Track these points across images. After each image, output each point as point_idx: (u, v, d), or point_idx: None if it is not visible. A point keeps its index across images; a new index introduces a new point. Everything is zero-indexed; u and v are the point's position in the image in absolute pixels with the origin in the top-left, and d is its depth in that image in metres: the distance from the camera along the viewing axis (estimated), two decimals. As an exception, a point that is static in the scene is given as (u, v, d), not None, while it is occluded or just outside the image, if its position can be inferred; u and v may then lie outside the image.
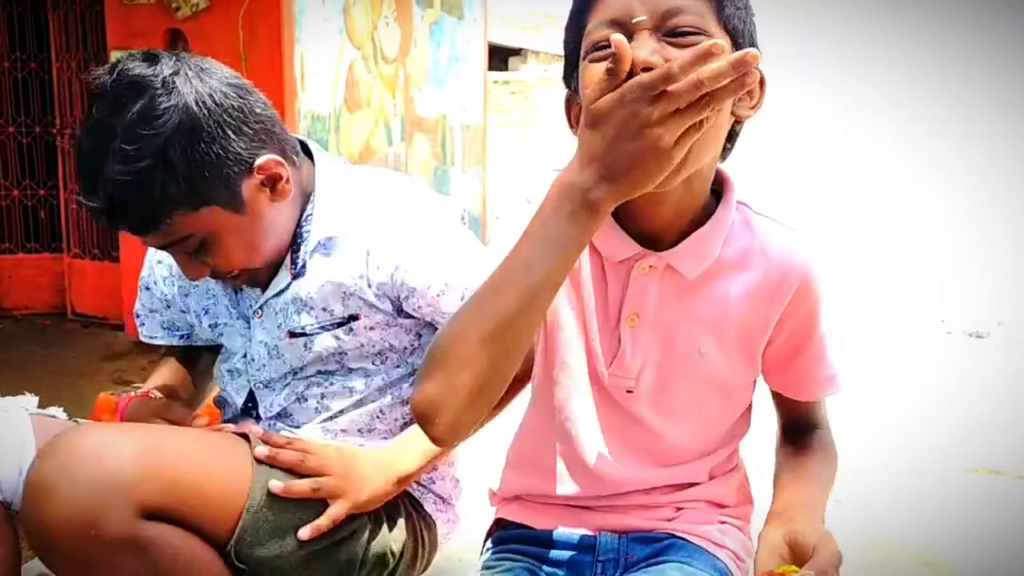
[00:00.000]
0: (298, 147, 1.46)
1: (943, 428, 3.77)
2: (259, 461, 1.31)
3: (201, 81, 1.30)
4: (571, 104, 1.17)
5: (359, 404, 1.48)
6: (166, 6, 4.52)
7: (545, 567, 1.25)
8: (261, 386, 1.53)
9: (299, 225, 1.44)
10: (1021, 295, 7.01)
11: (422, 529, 1.48)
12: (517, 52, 15.43)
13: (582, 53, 1.10)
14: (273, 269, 1.46)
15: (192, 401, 1.68)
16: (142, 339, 1.68)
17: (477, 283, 1.26)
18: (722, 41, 0.91)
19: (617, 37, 0.95)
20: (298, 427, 1.51)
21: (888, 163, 18.84)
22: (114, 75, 1.28)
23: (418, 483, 1.48)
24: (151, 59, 1.30)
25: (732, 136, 1.17)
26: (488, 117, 7.22)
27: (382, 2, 5.50)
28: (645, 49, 0.99)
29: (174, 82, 1.28)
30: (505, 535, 1.32)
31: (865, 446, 3.57)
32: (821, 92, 23.90)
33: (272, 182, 1.37)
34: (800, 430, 1.33)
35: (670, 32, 1.04)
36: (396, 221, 1.40)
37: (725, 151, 1.18)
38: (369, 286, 1.40)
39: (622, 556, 1.24)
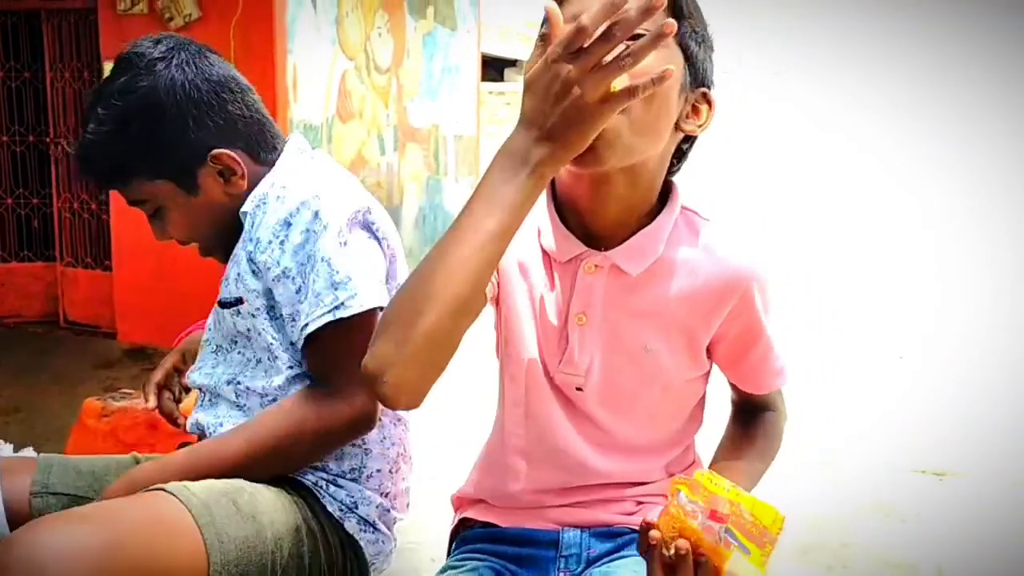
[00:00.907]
0: (277, 147, 1.52)
1: (937, 430, 3.80)
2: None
3: (182, 72, 1.40)
4: None
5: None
6: (159, 16, 4.55)
7: (509, 564, 1.27)
8: (210, 351, 1.58)
9: None
10: (1020, 296, 7.01)
11: (346, 548, 1.50)
12: (513, 63, 15.44)
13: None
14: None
15: None
16: None
17: (320, 283, 1.33)
18: None
19: (550, 4, 0.99)
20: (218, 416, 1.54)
21: (888, 163, 18.85)
22: (129, 47, 1.43)
23: (342, 505, 1.49)
24: (158, 41, 1.43)
25: (681, 153, 1.21)
26: (483, 127, 7.27)
27: (375, 13, 5.52)
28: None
29: (155, 66, 1.39)
30: (470, 534, 1.34)
31: (865, 445, 3.61)
32: (821, 92, 23.95)
33: (228, 174, 1.45)
34: (751, 410, 1.37)
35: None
36: (277, 202, 1.42)
37: (673, 167, 1.21)
38: (247, 259, 1.45)
39: (584, 551, 1.26)
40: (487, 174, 1.03)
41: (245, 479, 1.40)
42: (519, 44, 14.66)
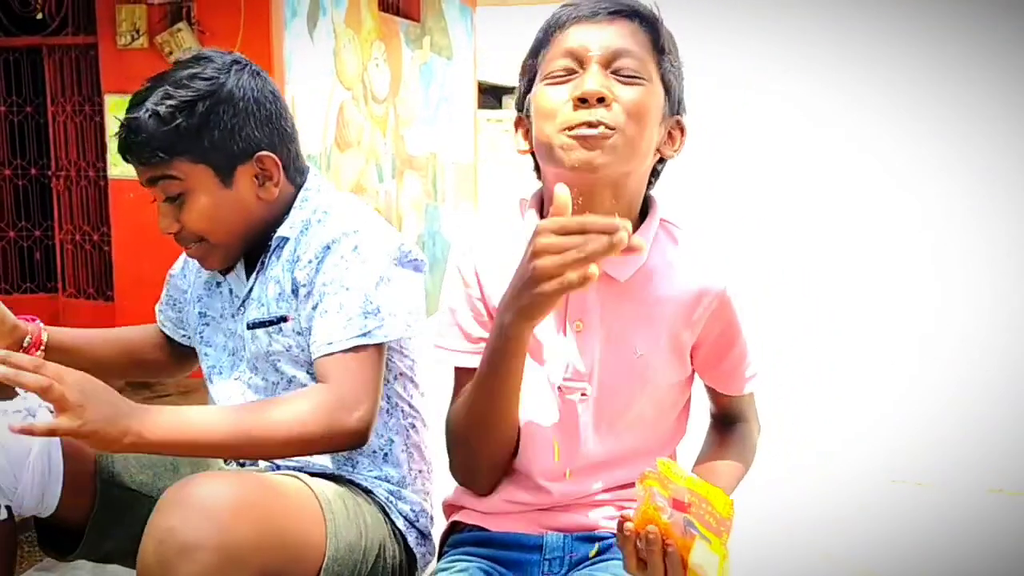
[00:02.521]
0: (304, 171, 1.63)
1: (935, 433, 3.81)
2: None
3: (252, 78, 1.54)
4: (519, 123, 1.35)
5: None
6: (159, 50, 4.58)
7: (497, 566, 1.34)
8: (223, 381, 1.65)
9: (273, 231, 1.58)
10: (1020, 296, 7.02)
11: (404, 561, 1.59)
12: (510, 91, 15.46)
13: (538, 77, 1.28)
14: (250, 265, 1.61)
15: (100, 362, 1.73)
16: (157, 324, 1.82)
17: (353, 309, 1.45)
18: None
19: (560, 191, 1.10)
20: None
21: (888, 163, 18.81)
22: (200, 53, 1.56)
23: (405, 519, 1.58)
24: (229, 54, 1.58)
25: (655, 172, 1.34)
26: (480, 154, 7.33)
27: (371, 45, 5.58)
28: (594, 80, 1.20)
29: (229, 66, 1.52)
30: (459, 537, 1.41)
31: (862, 449, 3.63)
32: (821, 92, 23.88)
33: (264, 178, 1.54)
34: (727, 421, 1.46)
35: (616, 71, 1.22)
36: (319, 225, 1.53)
37: (650, 184, 1.34)
38: (291, 279, 1.53)
39: (567, 554, 1.33)
40: (490, 335, 1.23)
41: (234, 455, 1.48)
42: (516, 72, 14.63)
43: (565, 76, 1.24)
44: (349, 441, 1.43)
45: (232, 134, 1.50)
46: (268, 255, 1.56)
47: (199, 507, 1.19)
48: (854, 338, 5.63)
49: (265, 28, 4.56)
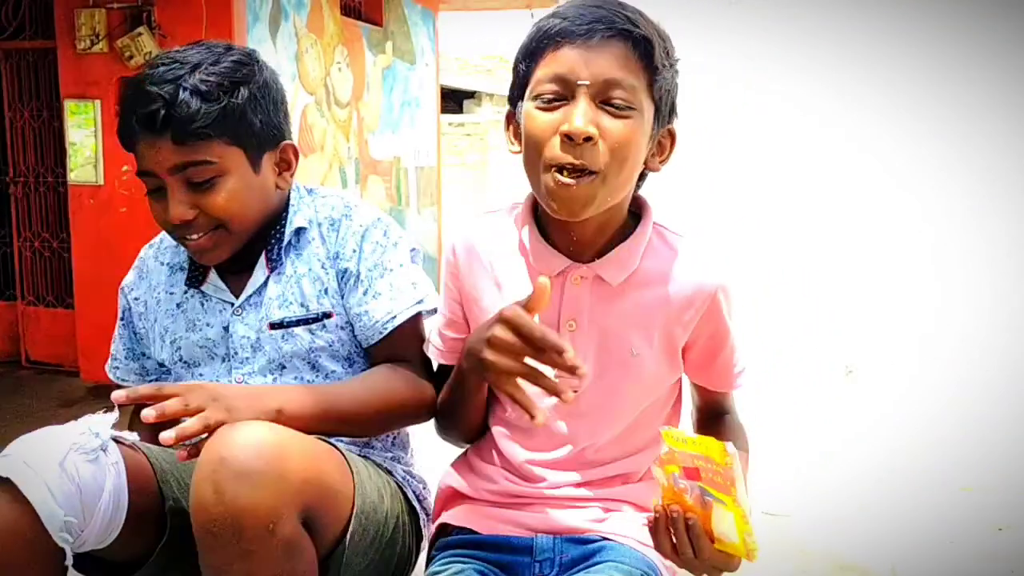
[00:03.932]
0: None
1: (935, 433, 3.79)
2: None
3: (272, 71, 1.58)
4: (510, 119, 1.35)
5: None
6: (119, 55, 4.55)
7: (491, 567, 1.35)
8: (243, 378, 1.60)
9: (275, 227, 1.58)
10: (1020, 295, 6.99)
11: (413, 543, 1.60)
12: (471, 95, 15.45)
13: (527, 92, 1.27)
14: (246, 267, 1.58)
15: None
16: (115, 381, 1.72)
17: (401, 283, 1.55)
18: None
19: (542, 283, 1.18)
20: None
21: (888, 163, 18.75)
22: (208, 44, 1.55)
23: (417, 499, 1.60)
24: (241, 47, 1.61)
25: (643, 177, 1.35)
26: (443, 159, 7.31)
27: (334, 49, 5.54)
28: (581, 116, 1.19)
29: (255, 56, 1.56)
30: (448, 540, 1.42)
31: (862, 448, 3.61)
32: (821, 92, 23.87)
33: (283, 167, 1.57)
34: (713, 414, 1.50)
35: (606, 101, 1.21)
36: (347, 219, 1.58)
37: (637, 187, 1.36)
38: (333, 270, 1.56)
39: (557, 556, 1.34)
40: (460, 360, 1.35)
41: (356, 430, 1.51)
42: (477, 76, 14.71)
43: (554, 102, 1.23)
44: (432, 412, 1.51)
45: (269, 120, 1.53)
46: (280, 250, 1.56)
47: (246, 442, 1.20)
48: (854, 338, 5.60)
49: (227, 32, 4.52)
